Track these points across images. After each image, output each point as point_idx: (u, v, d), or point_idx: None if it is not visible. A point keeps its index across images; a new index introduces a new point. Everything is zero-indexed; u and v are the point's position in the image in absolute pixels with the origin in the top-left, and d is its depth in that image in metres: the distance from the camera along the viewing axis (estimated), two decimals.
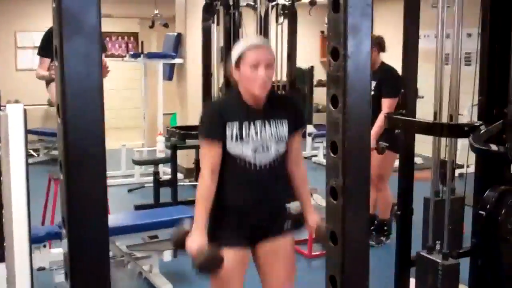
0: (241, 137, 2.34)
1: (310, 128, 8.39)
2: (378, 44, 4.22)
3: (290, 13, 5.62)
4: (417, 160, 8.13)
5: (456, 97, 3.04)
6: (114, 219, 3.56)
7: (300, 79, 7.51)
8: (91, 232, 0.96)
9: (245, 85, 2.34)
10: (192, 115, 6.86)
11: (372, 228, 4.55)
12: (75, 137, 0.93)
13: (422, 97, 7.80)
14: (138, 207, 5.33)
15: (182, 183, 6.35)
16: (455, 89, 3.04)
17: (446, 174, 3.13)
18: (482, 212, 2.45)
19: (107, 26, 10.67)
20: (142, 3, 9.09)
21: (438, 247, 2.80)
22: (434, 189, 2.89)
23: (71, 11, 0.90)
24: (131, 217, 3.76)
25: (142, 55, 6.71)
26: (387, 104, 4.16)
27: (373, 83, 4.11)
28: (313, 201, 5.94)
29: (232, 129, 2.34)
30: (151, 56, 6.81)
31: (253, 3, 5.63)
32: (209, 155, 2.36)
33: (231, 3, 5.41)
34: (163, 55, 6.81)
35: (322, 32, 10.68)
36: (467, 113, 3.17)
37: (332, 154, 1.16)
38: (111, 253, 3.40)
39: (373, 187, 4.46)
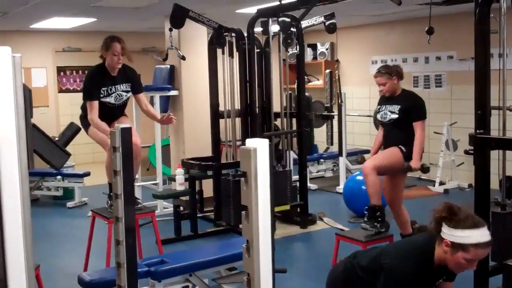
0: None
1: None
2: (397, 73, 4.51)
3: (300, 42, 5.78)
4: None
5: None
6: (189, 254, 3.53)
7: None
8: None
9: (453, 265, 2.57)
10: (188, 144, 6.95)
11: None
12: None
13: None
14: (163, 242, 5.21)
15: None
16: None
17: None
18: None
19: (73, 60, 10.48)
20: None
21: None
22: None
23: None
24: (206, 251, 3.74)
25: None
26: (421, 126, 4.42)
27: (397, 107, 4.41)
28: (325, 223, 6.07)
29: None
30: (148, 89, 6.75)
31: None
32: None
33: (245, 34, 5.50)
34: (160, 88, 6.79)
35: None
36: None
37: None
38: None
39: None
